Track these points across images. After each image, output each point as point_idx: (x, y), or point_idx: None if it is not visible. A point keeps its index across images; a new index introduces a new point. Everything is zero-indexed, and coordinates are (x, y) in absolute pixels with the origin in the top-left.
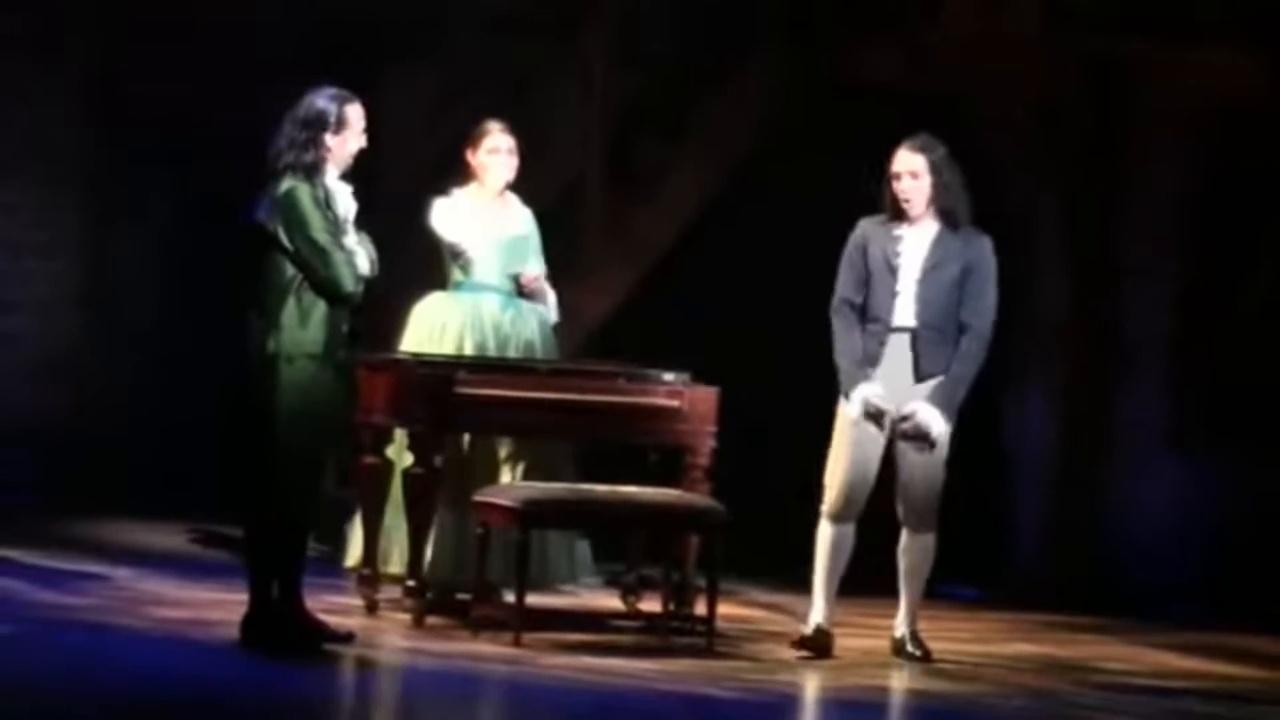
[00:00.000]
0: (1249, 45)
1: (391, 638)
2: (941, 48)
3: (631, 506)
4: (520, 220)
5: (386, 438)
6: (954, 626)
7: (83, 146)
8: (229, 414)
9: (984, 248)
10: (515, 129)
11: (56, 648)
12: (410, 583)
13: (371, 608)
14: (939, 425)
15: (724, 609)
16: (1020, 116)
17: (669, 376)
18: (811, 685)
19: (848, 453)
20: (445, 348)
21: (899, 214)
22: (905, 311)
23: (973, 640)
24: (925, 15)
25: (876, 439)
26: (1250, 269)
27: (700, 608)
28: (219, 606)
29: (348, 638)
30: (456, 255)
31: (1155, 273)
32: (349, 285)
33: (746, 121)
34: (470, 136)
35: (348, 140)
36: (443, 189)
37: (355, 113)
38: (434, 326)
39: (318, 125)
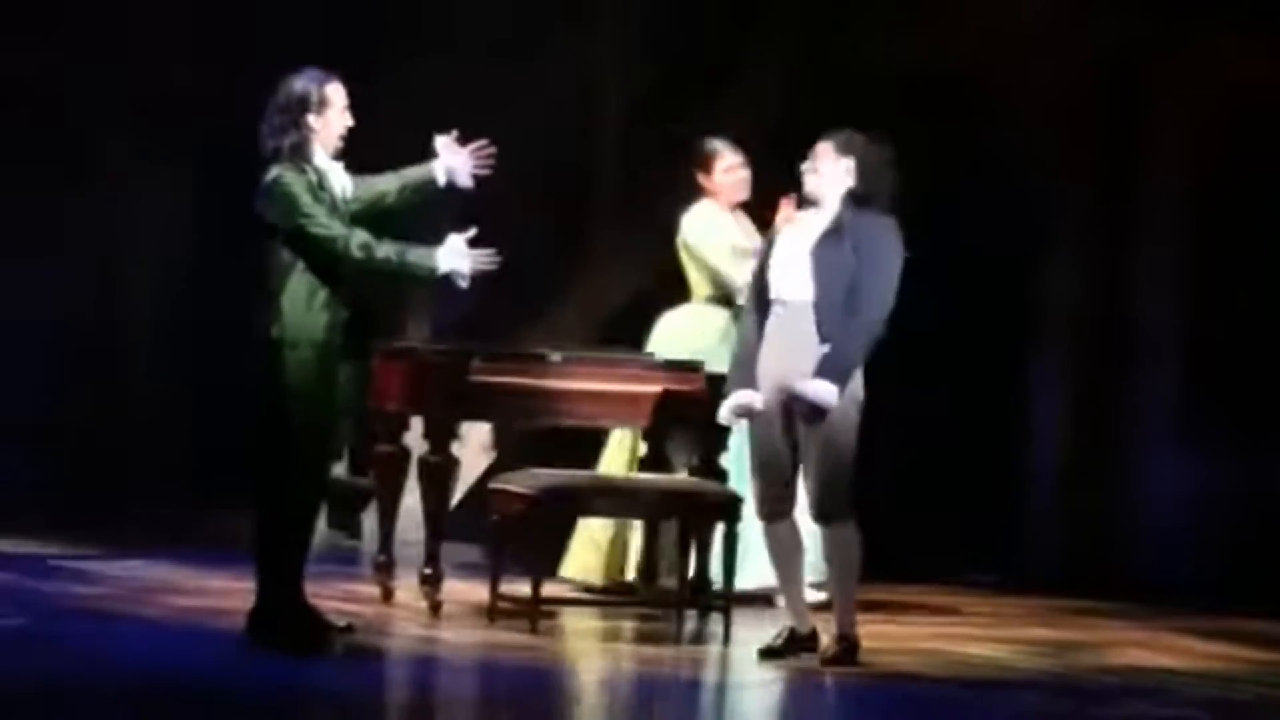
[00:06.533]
0: (1266, 33)
1: (407, 626)
2: (955, 36)
3: (651, 494)
4: (753, 234)
5: (403, 425)
6: (970, 611)
7: (93, 137)
8: (243, 403)
9: (875, 229)
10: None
11: (69, 637)
12: (427, 570)
13: (387, 596)
14: (823, 392)
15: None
16: (1034, 105)
17: (683, 364)
18: (827, 671)
19: (753, 451)
20: (719, 363)
21: (807, 202)
22: (788, 288)
23: (990, 624)
24: (939, 4)
25: (777, 432)
26: (1264, 257)
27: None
28: (234, 595)
29: (346, 629)
30: (726, 283)
31: (1169, 261)
32: (353, 249)
33: (758, 112)
34: (698, 158)
35: (331, 120)
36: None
37: (336, 91)
38: (702, 337)
39: (299, 108)
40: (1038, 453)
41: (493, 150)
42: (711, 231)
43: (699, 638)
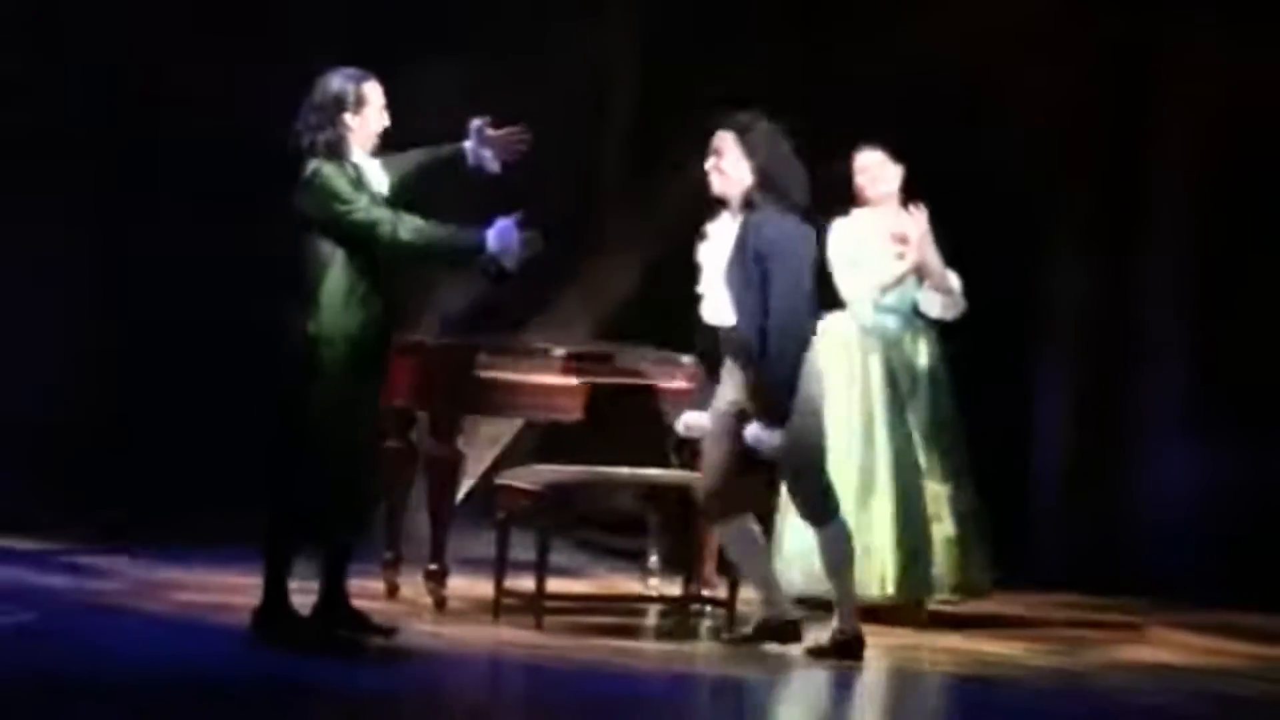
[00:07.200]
0: (1269, 32)
1: (412, 622)
2: (957, 36)
3: (657, 489)
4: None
5: (410, 421)
6: (977, 607)
7: (97, 139)
8: (246, 401)
9: (773, 231)
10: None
11: (73, 633)
12: (432, 566)
13: (393, 591)
14: (765, 437)
15: (744, 592)
16: (1037, 105)
17: (688, 359)
18: (830, 666)
19: (704, 455)
20: (854, 369)
21: (717, 203)
22: (715, 312)
23: (997, 620)
24: (940, 3)
25: (724, 445)
26: (1268, 255)
27: (720, 590)
28: (237, 591)
29: (391, 631)
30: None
31: (1172, 260)
32: (402, 232)
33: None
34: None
35: (369, 119)
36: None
37: (373, 90)
38: (836, 344)
39: (335, 106)
40: (1043, 452)
41: (527, 136)
42: (844, 247)
43: (701, 634)
